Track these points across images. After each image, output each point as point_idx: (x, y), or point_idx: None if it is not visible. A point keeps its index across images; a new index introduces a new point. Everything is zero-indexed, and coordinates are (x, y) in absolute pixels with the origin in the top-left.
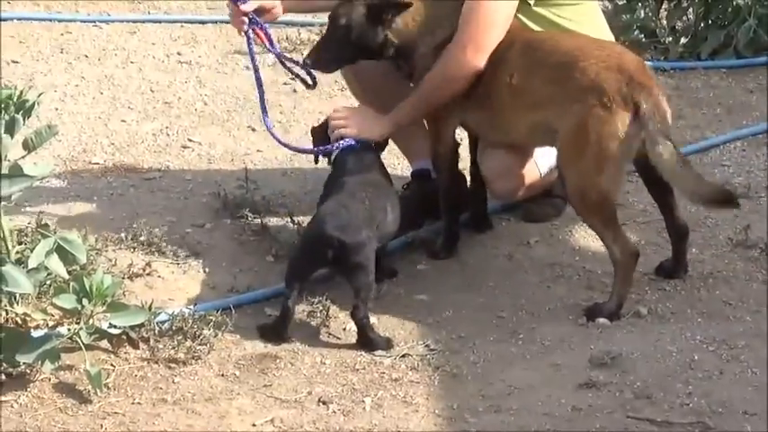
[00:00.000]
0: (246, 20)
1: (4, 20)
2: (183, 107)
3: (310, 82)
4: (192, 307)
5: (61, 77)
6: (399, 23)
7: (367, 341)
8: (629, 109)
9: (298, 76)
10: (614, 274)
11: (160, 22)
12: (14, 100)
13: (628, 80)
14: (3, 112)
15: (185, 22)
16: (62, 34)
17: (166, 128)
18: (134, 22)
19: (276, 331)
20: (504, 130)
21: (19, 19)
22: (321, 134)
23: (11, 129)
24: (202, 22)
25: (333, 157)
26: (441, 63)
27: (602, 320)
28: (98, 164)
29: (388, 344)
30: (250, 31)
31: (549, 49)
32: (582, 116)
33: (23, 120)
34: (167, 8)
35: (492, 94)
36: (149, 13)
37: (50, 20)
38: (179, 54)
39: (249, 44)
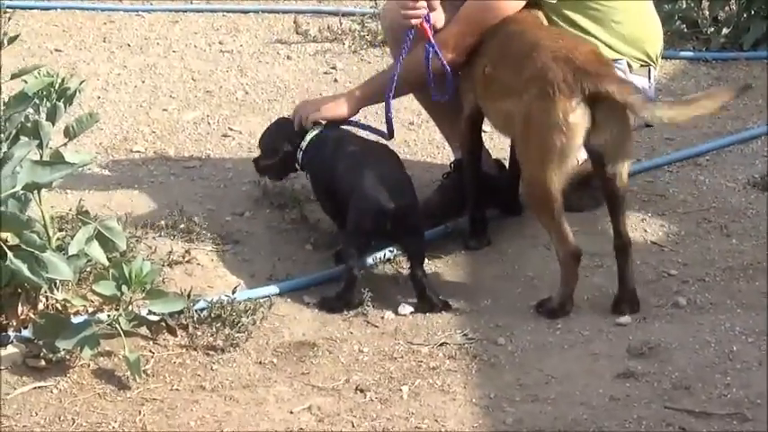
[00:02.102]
0: (424, 9)
1: (48, 9)
2: (224, 96)
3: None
4: (230, 294)
5: (103, 66)
6: None
7: (429, 303)
8: (574, 97)
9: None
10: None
11: (202, 11)
12: (56, 87)
13: (575, 70)
14: (44, 99)
15: (227, 12)
16: (105, 23)
17: (207, 117)
18: (176, 11)
19: (346, 298)
20: (488, 117)
21: (62, 8)
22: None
23: (52, 116)
24: (244, 12)
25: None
26: (414, 51)
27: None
28: (139, 152)
29: (446, 306)
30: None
31: (516, 40)
32: (528, 106)
33: (65, 107)
34: None
35: (475, 82)
36: (191, 2)
37: (93, 9)
38: (221, 43)
39: (408, 38)
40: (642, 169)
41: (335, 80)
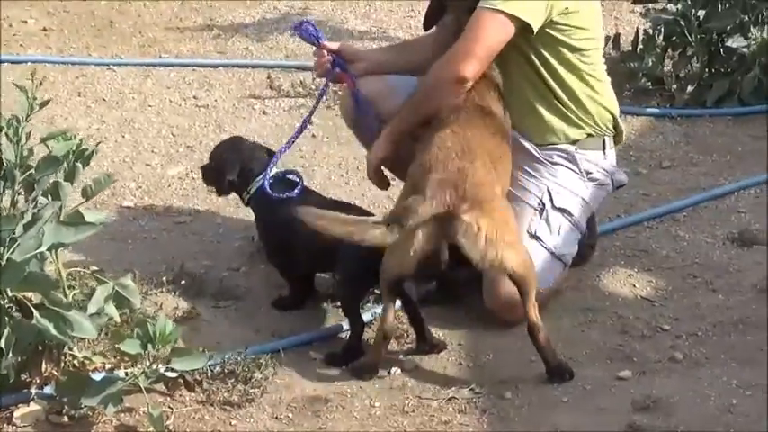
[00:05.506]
0: (331, 60)
1: (18, 62)
2: (205, 151)
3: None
4: (243, 350)
5: (82, 121)
6: None
7: (429, 343)
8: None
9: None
10: None
11: (172, 65)
12: (74, 149)
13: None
14: (63, 161)
15: (197, 66)
16: (77, 77)
17: (191, 172)
18: (146, 65)
19: (353, 352)
20: None
21: (33, 62)
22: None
23: (71, 177)
24: (214, 66)
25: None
26: (431, 70)
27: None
28: (129, 207)
29: (444, 346)
30: (335, 72)
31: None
32: None
33: (83, 167)
34: (177, 52)
35: None
36: (161, 56)
37: (64, 63)
38: (195, 98)
39: (324, 90)
40: (622, 225)
41: (314, 136)
